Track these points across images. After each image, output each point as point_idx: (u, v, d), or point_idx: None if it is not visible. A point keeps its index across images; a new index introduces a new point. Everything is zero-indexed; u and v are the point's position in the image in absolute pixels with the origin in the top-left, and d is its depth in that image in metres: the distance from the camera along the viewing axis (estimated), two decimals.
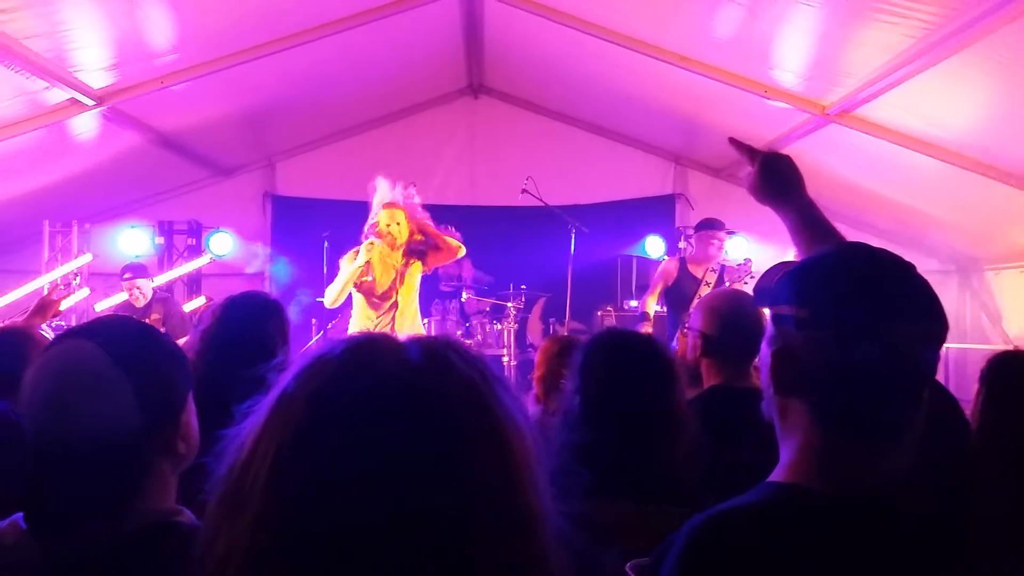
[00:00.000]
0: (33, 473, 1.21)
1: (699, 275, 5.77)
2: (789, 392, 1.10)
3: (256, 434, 0.73)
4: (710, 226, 5.88)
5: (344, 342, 0.77)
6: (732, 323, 2.44)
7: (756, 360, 2.49)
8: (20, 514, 1.23)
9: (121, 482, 1.21)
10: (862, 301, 1.04)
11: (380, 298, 4.86)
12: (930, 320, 1.05)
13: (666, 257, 6.63)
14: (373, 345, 0.76)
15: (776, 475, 1.10)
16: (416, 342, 0.77)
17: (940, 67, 4.47)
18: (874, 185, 6.91)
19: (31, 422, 1.23)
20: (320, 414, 0.71)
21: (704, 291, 5.69)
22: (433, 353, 0.76)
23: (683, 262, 5.93)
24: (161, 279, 7.63)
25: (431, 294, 6.06)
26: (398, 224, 4.81)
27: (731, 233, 5.92)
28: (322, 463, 0.69)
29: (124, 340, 1.27)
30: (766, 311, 2.57)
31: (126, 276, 6.21)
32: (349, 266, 4.73)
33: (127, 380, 1.21)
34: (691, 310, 3.01)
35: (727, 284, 5.61)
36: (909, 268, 1.09)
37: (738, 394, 2.41)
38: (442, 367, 0.75)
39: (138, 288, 6.13)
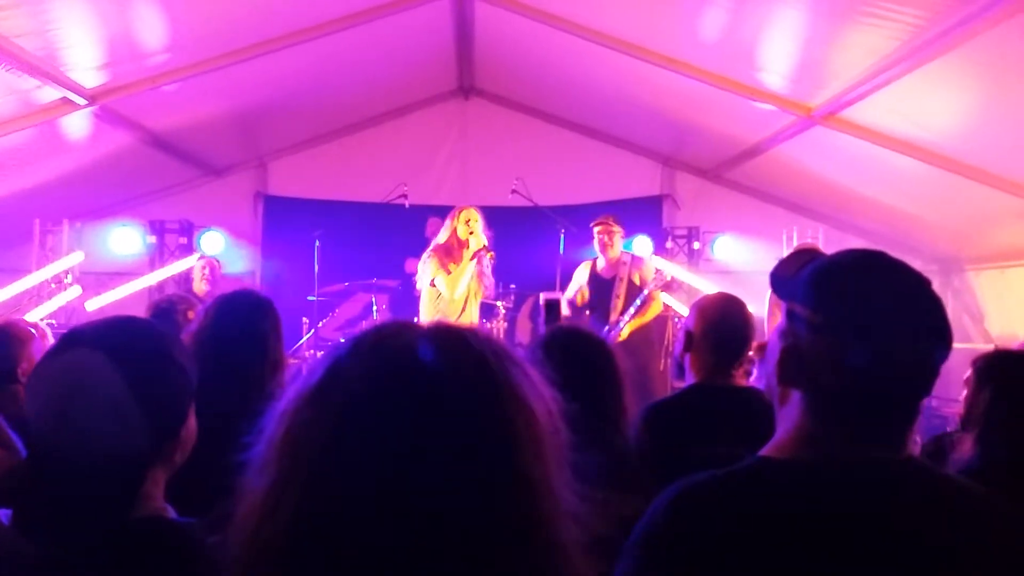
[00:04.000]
0: (30, 477, 1.23)
1: (609, 275, 5.95)
2: (789, 383, 1.16)
3: (279, 417, 0.77)
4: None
5: (365, 330, 0.80)
6: (714, 326, 2.55)
7: (741, 360, 2.59)
8: (3, 512, 1.26)
9: (119, 491, 1.23)
10: (874, 317, 1.09)
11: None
12: (939, 340, 1.10)
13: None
14: (389, 331, 0.79)
15: (761, 450, 1.16)
16: (434, 327, 0.79)
17: (924, 70, 4.53)
18: (858, 186, 6.99)
19: (34, 429, 1.24)
20: (333, 393, 0.74)
21: (620, 288, 5.83)
22: (448, 337, 0.78)
23: (593, 264, 6.19)
24: (152, 278, 7.66)
25: None
26: (468, 222, 5.60)
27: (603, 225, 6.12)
28: (332, 441, 0.72)
29: (135, 354, 1.25)
30: (755, 313, 2.66)
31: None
32: (464, 271, 5.57)
33: (136, 400, 1.20)
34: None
35: (646, 291, 5.76)
36: (924, 285, 1.14)
37: (717, 391, 2.53)
38: (455, 350, 0.77)
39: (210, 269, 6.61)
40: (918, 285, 1.13)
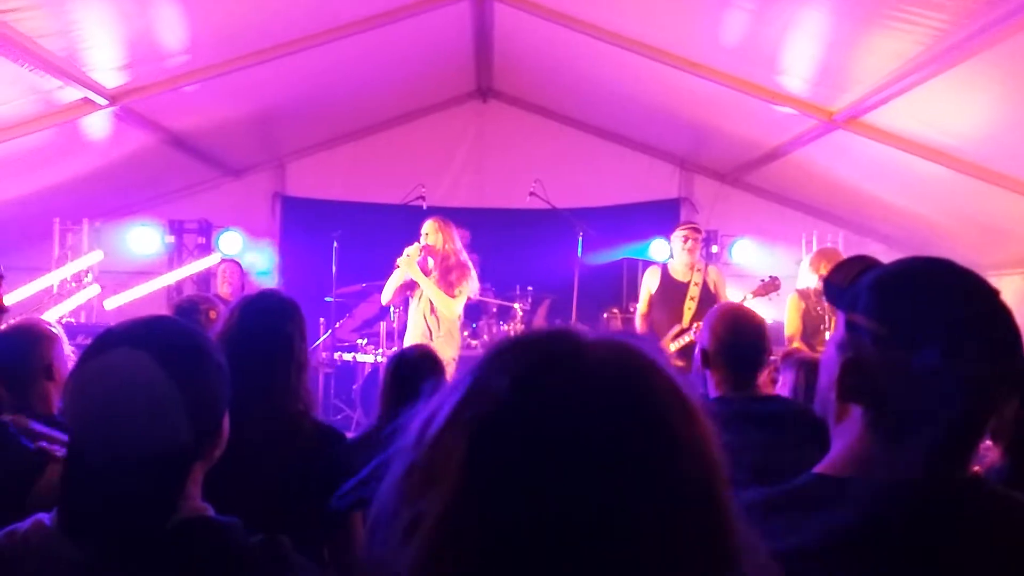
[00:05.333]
0: (75, 477, 1.23)
1: (684, 280, 5.82)
2: (851, 399, 1.10)
3: (451, 412, 0.73)
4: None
5: (539, 333, 0.78)
6: (726, 340, 2.56)
7: (762, 369, 2.59)
8: (43, 515, 1.24)
9: (164, 489, 1.23)
10: (943, 328, 1.03)
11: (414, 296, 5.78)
12: (1009, 354, 1.05)
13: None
14: (572, 338, 0.76)
15: (816, 468, 1.12)
16: (606, 338, 0.77)
17: (948, 75, 4.48)
18: (879, 191, 6.94)
19: (77, 429, 1.24)
20: (523, 401, 0.70)
21: (694, 292, 5.72)
22: (626, 350, 0.76)
23: (665, 269, 5.99)
24: (170, 277, 7.70)
25: None
26: (426, 234, 5.74)
27: (690, 229, 5.98)
28: (524, 450, 0.68)
29: (178, 352, 1.26)
30: (774, 317, 2.64)
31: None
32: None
33: (180, 398, 1.20)
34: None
35: (748, 296, 5.57)
36: (994, 295, 1.08)
37: (740, 403, 2.53)
38: (640, 362, 0.74)
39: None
40: (988, 296, 1.08)
